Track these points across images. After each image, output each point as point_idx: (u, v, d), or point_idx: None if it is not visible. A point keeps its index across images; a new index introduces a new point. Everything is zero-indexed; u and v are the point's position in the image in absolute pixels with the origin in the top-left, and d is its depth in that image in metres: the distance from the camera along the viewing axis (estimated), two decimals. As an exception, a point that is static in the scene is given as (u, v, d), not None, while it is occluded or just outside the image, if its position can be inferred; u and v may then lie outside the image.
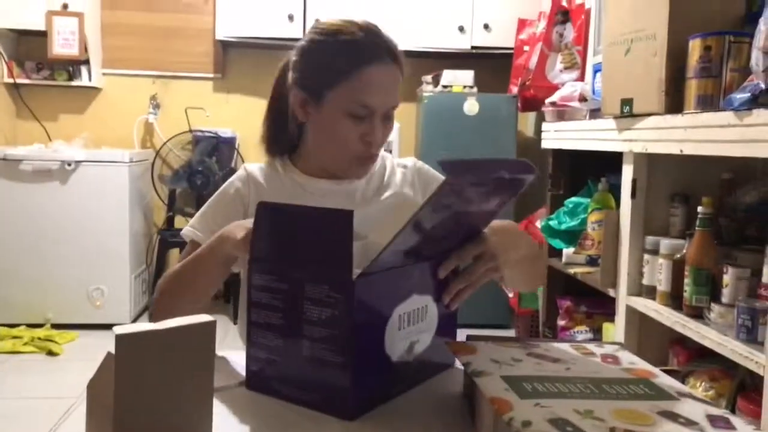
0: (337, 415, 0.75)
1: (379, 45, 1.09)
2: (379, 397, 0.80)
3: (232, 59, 3.99)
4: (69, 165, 3.33)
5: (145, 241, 3.79)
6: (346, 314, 0.74)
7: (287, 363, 0.79)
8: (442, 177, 1.22)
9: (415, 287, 0.83)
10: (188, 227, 1.17)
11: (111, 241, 3.40)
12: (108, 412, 0.63)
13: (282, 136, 1.21)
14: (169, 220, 3.77)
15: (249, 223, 0.90)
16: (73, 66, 3.72)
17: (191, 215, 4.18)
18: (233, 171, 3.71)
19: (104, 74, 3.88)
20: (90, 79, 3.75)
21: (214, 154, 3.70)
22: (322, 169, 1.17)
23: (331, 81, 1.08)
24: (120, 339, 0.62)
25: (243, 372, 0.86)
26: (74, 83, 3.74)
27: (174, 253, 3.87)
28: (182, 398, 0.66)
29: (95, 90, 3.88)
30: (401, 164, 1.26)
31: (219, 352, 0.90)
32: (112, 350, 0.62)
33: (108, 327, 0.65)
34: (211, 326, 0.67)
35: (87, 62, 3.71)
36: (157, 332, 0.64)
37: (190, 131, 3.83)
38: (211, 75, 3.96)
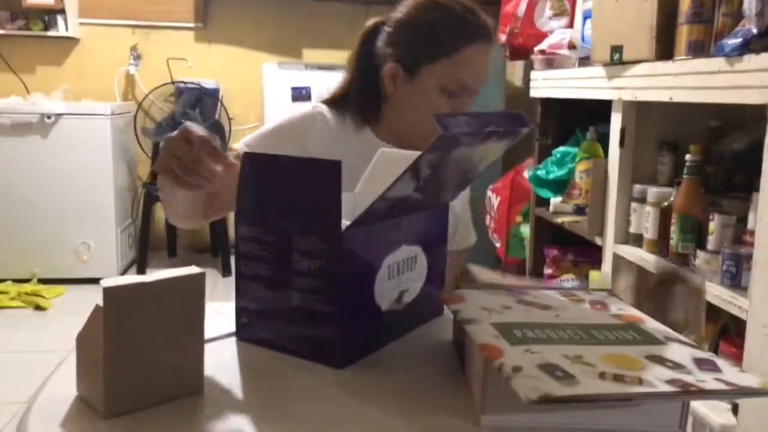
0: (327, 363, 0.75)
1: (480, 25, 1.09)
2: (369, 345, 0.80)
3: (214, 8, 3.88)
4: (49, 118, 3.27)
5: (130, 195, 3.75)
6: (335, 265, 0.73)
7: (277, 313, 0.79)
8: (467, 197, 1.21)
9: (405, 238, 0.83)
10: (242, 142, 1.13)
11: (95, 195, 3.36)
12: (97, 365, 0.62)
13: (366, 98, 1.17)
14: (154, 174, 3.73)
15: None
16: (48, 15, 3.61)
17: (176, 168, 4.12)
18: (217, 123, 3.67)
19: (81, 24, 3.77)
20: (67, 29, 3.64)
21: (197, 106, 3.63)
22: (396, 138, 1.15)
23: (432, 57, 1.07)
24: (107, 292, 0.61)
25: (233, 323, 0.86)
26: (50, 33, 3.64)
27: (159, 207, 3.84)
28: (173, 350, 0.66)
29: (73, 40, 3.78)
30: None
31: (209, 305, 0.90)
32: (101, 303, 0.62)
33: (95, 281, 0.64)
34: (199, 278, 0.67)
35: (63, 11, 3.60)
36: (144, 284, 0.63)
37: (173, 83, 3.75)
38: (192, 24, 3.86)
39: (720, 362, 0.62)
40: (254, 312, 0.81)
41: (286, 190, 0.77)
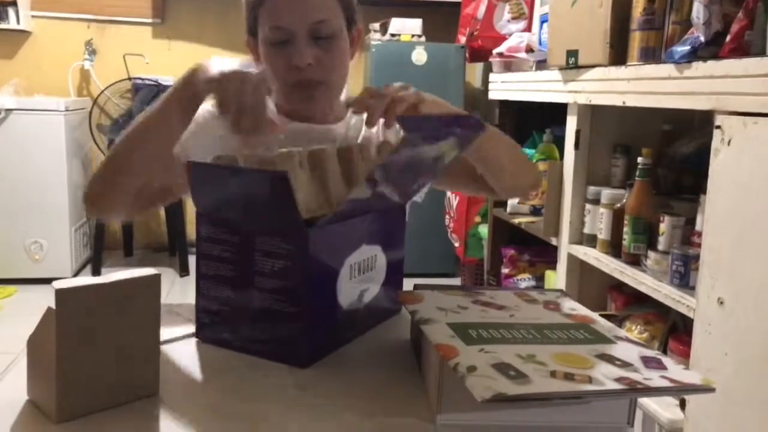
0: (291, 363, 0.76)
1: None
2: (332, 344, 0.81)
3: (173, 4, 3.82)
4: (0, 113, 3.17)
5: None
6: (300, 265, 0.74)
7: (238, 314, 0.79)
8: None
9: (365, 237, 0.84)
10: (178, 144, 1.08)
11: (48, 193, 3.28)
12: (50, 368, 0.61)
13: None
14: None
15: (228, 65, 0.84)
16: (-1, 7, 3.51)
17: (133, 166, 4.01)
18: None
19: (34, 17, 3.67)
20: (18, 22, 3.54)
21: (155, 103, 3.57)
22: (293, 111, 1.13)
23: (255, 16, 1.05)
24: (60, 294, 0.60)
25: (192, 324, 0.86)
26: (1, 26, 3.53)
27: (115, 206, 3.77)
28: (127, 352, 0.65)
29: (25, 33, 3.68)
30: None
31: (165, 305, 0.89)
32: (53, 305, 0.61)
33: (48, 281, 0.63)
34: (155, 279, 0.66)
35: (14, 3, 3.50)
36: (98, 286, 0.62)
37: (129, 79, 3.68)
38: (150, 20, 3.79)
39: (666, 360, 0.65)
40: (215, 312, 0.81)
41: (242, 196, 0.77)
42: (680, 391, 0.61)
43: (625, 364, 0.63)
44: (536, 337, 0.69)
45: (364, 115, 1.10)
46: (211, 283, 0.80)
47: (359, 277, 0.83)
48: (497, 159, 1.06)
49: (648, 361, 0.64)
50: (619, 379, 0.59)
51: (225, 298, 0.79)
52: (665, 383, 0.59)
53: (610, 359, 0.64)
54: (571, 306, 0.81)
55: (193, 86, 0.89)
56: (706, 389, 0.60)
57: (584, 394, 0.58)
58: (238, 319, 0.79)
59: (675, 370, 0.62)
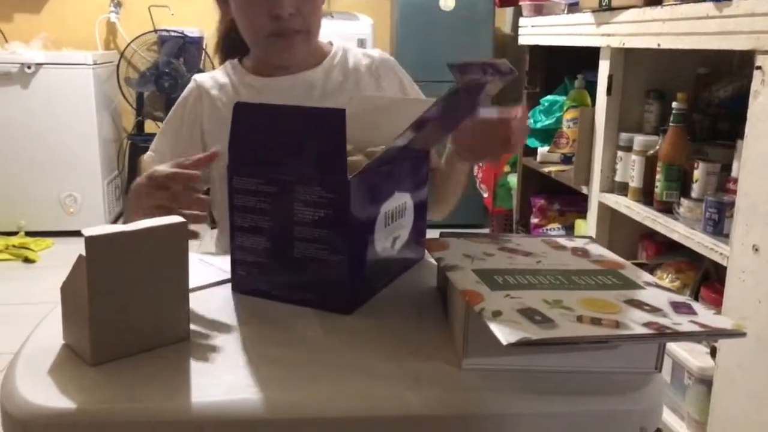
0: (332, 310, 0.76)
1: None
2: (368, 291, 0.82)
3: (195, -48, 3.77)
4: (29, 68, 3.20)
5: (115, 146, 3.71)
6: (342, 214, 0.73)
7: (278, 265, 0.79)
8: (402, 71, 1.20)
9: (397, 184, 0.84)
10: (149, 152, 1.16)
11: (80, 147, 3.32)
12: (83, 314, 0.63)
13: (228, 39, 1.18)
14: (139, 125, 3.69)
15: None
16: (24, -39, 3.50)
17: (161, 119, 4.07)
18: (201, 72, 3.61)
19: (59, -30, 3.66)
20: (44, -25, 3.53)
21: (181, 55, 3.56)
22: (265, 64, 1.14)
23: None
24: (90, 240, 0.61)
25: (220, 273, 0.87)
26: (27, -20, 3.53)
27: (146, 159, 3.80)
28: (157, 298, 0.66)
29: (50, -13, 3.67)
30: (367, 55, 1.20)
31: (195, 254, 0.90)
32: (84, 253, 0.62)
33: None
34: (182, 226, 0.67)
35: (39, -44, 3.49)
36: (126, 233, 0.63)
37: (155, 31, 3.67)
38: (173, -30, 3.75)
39: (696, 305, 0.64)
40: (252, 264, 0.81)
41: (283, 141, 0.76)
42: (710, 336, 0.60)
43: (654, 309, 0.62)
44: (563, 282, 0.68)
45: (348, 59, 1.17)
46: (247, 235, 0.80)
47: (392, 224, 0.83)
48: (450, 186, 1.16)
49: (677, 307, 0.63)
50: (647, 324, 0.59)
51: (262, 250, 0.79)
52: (695, 328, 0.59)
53: (639, 304, 0.63)
54: (600, 252, 0.80)
55: (144, 208, 0.89)
56: (737, 334, 0.59)
57: (610, 338, 0.57)
58: (276, 269, 0.79)
59: (705, 315, 0.61)
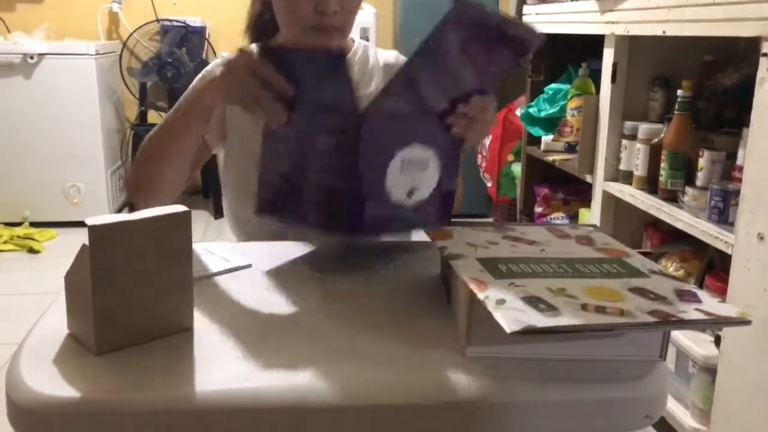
0: (343, 233, 0.82)
1: None
2: (379, 225, 0.85)
3: (197, -59, 3.75)
4: (32, 58, 3.19)
5: (118, 136, 3.71)
6: (354, 146, 0.78)
7: (297, 189, 0.84)
8: None
9: (419, 136, 0.84)
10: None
11: (83, 137, 3.32)
12: (86, 303, 0.63)
13: (261, 21, 1.17)
14: (142, 115, 3.68)
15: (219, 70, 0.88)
16: (26, -50, 3.48)
17: (164, 109, 4.07)
18: (204, 62, 3.60)
19: (61, -41, 3.65)
20: (46, -35, 3.52)
21: (184, 45, 3.55)
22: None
23: None
24: (93, 229, 0.61)
25: (223, 263, 0.87)
26: (29, -31, 3.52)
27: (149, 149, 3.80)
28: (161, 287, 0.66)
29: (52, -24, 3.66)
30: (385, 57, 1.21)
31: (199, 244, 0.91)
32: (87, 243, 0.62)
33: (87, 225, 0.64)
34: (185, 215, 0.67)
35: (41, -54, 3.48)
36: (129, 222, 0.63)
37: (157, 21, 3.66)
38: (175, -41, 3.73)
39: (701, 293, 0.63)
40: (276, 188, 0.86)
41: (299, 78, 0.80)
42: (715, 324, 0.60)
43: (659, 298, 0.62)
44: (567, 271, 0.68)
45: (368, 56, 1.18)
46: (274, 160, 0.85)
47: (410, 174, 0.84)
48: None
49: (682, 295, 0.63)
50: (652, 312, 0.58)
51: (285, 174, 0.85)
52: (700, 316, 0.58)
53: (644, 293, 0.63)
54: (604, 240, 0.80)
55: (203, 101, 0.93)
56: (742, 322, 0.59)
57: (615, 326, 0.57)
58: (296, 194, 0.84)
59: (710, 303, 0.61)
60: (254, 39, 1.20)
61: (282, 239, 1.02)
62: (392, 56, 1.22)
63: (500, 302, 0.59)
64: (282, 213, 0.86)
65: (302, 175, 0.83)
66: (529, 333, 0.54)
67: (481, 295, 0.60)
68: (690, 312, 0.59)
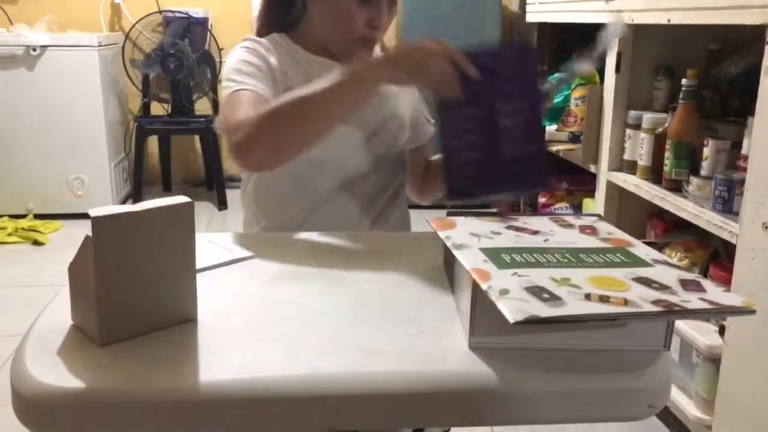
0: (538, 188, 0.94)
1: None
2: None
3: (199, -69, 3.73)
4: (34, 50, 3.19)
5: (122, 128, 3.71)
6: (535, 114, 0.94)
7: (488, 157, 0.92)
8: None
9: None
10: (229, 82, 1.07)
11: (86, 129, 3.32)
12: (90, 294, 0.63)
13: (286, 12, 1.17)
14: (145, 107, 3.68)
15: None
16: (27, -58, 3.47)
17: (167, 101, 4.04)
18: (207, 53, 3.59)
19: (62, -50, 3.63)
20: (47, -44, 3.51)
21: (186, 36, 3.54)
22: (322, 48, 1.14)
23: None
24: (96, 221, 0.61)
25: (227, 254, 0.87)
26: (31, -39, 3.50)
27: (152, 141, 3.80)
28: (164, 278, 0.66)
29: (54, -32, 3.64)
30: None
31: (202, 235, 0.90)
32: (91, 234, 0.62)
33: (92, 217, 0.64)
34: (188, 207, 0.67)
35: (42, -63, 3.46)
36: (132, 213, 0.63)
37: (160, 12, 3.65)
38: (177, -51, 3.72)
39: (705, 283, 0.63)
40: (470, 167, 0.93)
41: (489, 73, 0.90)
42: (719, 313, 0.59)
43: (663, 287, 0.62)
44: (571, 261, 0.67)
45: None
46: (465, 137, 0.92)
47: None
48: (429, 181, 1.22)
49: (686, 284, 0.63)
50: (656, 302, 0.58)
51: (471, 144, 0.92)
52: (704, 305, 0.58)
53: (647, 282, 0.63)
54: (608, 230, 0.79)
55: (371, 78, 0.93)
56: (746, 311, 0.58)
57: (619, 316, 0.57)
58: (487, 160, 0.92)
59: (714, 292, 0.61)
60: (266, 24, 1.19)
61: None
62: None
63: (503, 292, 0.59)
64: (474, 190, 0.93)
65: (494, 148, 0.92)
66: (533, 323, 0.54)
67: (484, 285, 0.60)
68: (694, 301, 0.59)
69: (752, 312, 0.58)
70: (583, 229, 0.80)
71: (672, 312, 0.58)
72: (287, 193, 1.14)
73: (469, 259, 0.67)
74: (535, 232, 0.77)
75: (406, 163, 1.22)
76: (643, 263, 0.68)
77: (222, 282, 0.81)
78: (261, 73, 1.08)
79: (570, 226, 0.81)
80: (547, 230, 0.78)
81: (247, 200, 1.20)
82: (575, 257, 0.69)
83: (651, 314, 0.57)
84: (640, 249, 0.73)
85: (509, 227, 0.79)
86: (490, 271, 0.64)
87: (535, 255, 0.69)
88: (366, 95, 0.96)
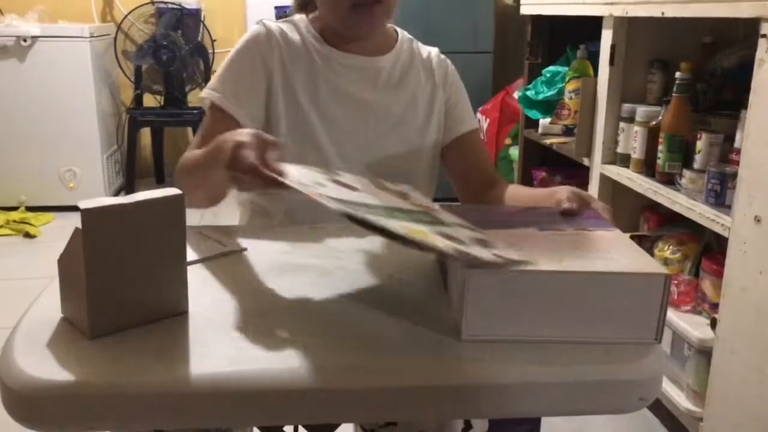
0: None
1: None
2: None
3: None
4: (25, 41, 3.16)
5: (114, 121, 3.69)
6: None
7: None
8: (458, 78, 1.19)
9: None
10: (207, 89, 1.06)
11: (78, 121, 3.30)
12: (80, 286, 0.63)
13: None
14: (137, 99, 3.66)
15: (242, 135, 0.76)
16: (18, -69, 3.44)
17: (160, 93, 4.02)
18: (200, 45, 3.57)
19: (53, -60, 3.60)
20: (38, -54, 3.47)
21: (179, 28, 3.52)
22: (335, 34, 1.10)
23: None
24: (86, 213, 0.61)
25: (219, 246, 0.86)
26: (21, -50, 3.47)
27: (145, 133, 3.78)
28: (155, 270, 0.66)
29: (45, -42, 3.61)
30: (427, 51, 1.18)
31: (194, 227, 0.90)
32: (80, 227, 0.61)
33: (84, 209, 0.63)
34: (179, 199, 0.66)
35: (33, -73, 3.43)
36: (123, 205, 0.63)
37: (152, 3, 3.62)
38: (169, -60, 3.69)
39: (494, 242, 0.68)
40: None
41: None
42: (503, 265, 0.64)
43: (461, 242, 0.66)
44: (386, 214, 0.68)
45: (412, 50, 1.17)
46: None
47: None
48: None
49: (479, 242, 0.67)
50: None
51: None
52: (493, 258, 0.63)
53: (449, 237, 0.66)
54: (419, 199, 0.81)
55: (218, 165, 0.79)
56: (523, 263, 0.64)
57: (418, 242, 0.61)
58: None
59: (503, 250, 0.66)
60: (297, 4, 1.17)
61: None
62: (434, 51, 1.19)
63: (335, 200, 0.63)
64: None
65: None
66: (351, 219, 0.61)
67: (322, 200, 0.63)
68: (485, 254, 0.63)
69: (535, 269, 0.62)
70: (399, 194, 0.81)
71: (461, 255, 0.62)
72: (283, 193, 1.11)
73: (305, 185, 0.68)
74: (355, 189, 0.75)
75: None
76: (446, 224, 0.70)
77: (213, 275, 0.80)
78: (244, 79, 1.06)
79: (386, 189, 0.81)
80: (361, 188, 0.76)
81: (243, 198, 1.19)
82: (390, 215, 0.68)
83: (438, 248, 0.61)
84: (444, 214, 0.75)
85: (334, 181, 0.76)
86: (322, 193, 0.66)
87: (357, 206, 0.67)
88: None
